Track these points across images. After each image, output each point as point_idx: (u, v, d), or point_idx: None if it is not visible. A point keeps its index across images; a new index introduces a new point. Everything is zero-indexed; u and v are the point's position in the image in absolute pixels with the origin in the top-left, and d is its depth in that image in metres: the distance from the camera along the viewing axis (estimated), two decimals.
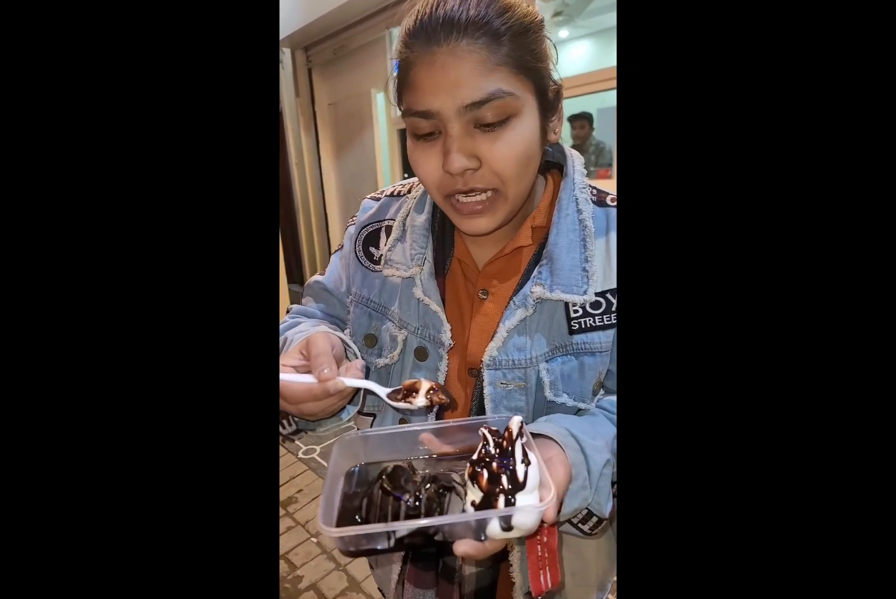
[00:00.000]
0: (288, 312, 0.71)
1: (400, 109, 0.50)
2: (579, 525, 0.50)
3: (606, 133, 3.13)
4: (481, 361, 0.55)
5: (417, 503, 0.40)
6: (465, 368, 0.58)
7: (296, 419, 0.56)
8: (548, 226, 0.55)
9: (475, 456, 0.40)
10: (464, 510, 0.40)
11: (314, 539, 1.77)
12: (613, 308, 0.54)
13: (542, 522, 0.39)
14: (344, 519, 0.41)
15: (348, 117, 3.53)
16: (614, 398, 0.58)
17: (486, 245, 0.58)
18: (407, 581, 0.64)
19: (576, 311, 0.54)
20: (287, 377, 0.47)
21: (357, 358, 0.57)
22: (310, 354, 0.48)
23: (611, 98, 2.85)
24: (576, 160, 0.58)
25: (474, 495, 0.39)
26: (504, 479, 0.38)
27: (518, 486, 0.38)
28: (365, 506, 0.41)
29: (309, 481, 2.11)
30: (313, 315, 0.68)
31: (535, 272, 0.54)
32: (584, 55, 4.16)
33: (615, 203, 0.57)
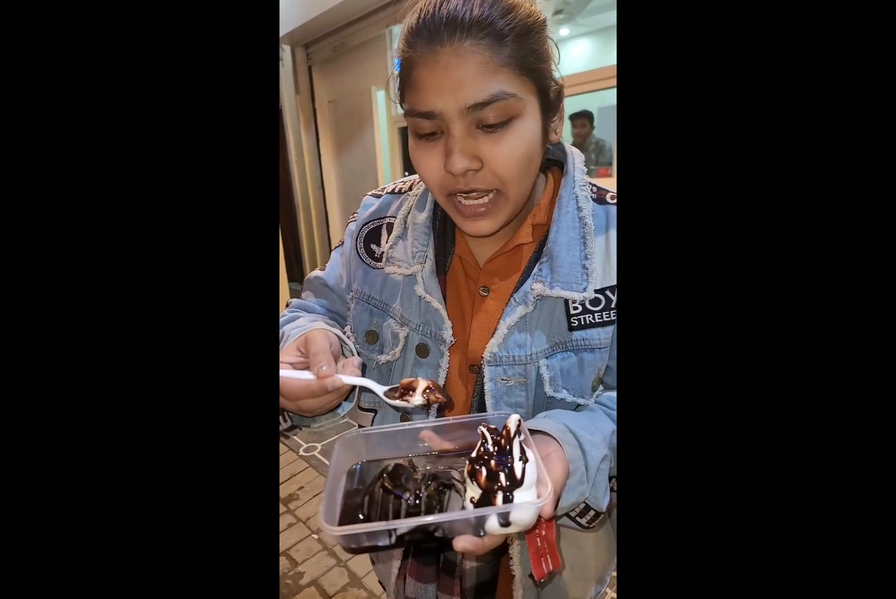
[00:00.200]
0: (287, 306, 0.71)
1: (402, 108, 0.50)
2: (577, 518, 0.51)
3: (607, 132, 3.13)
4: (482, 357, 0.55)
5: (418, 502, 0.41)
6: (466, 364, 0.58)
7: (291, 414, 0.56)
8: (548, 223, 0.56)
9: (474, 454, 0.40)
10: (463, 507, 0.41)
11: (315, 536, 1.78)
12: (612, 305, 0.55)
13: (540, 517, 0.40)
14: (346, 517, 0.41)
15: (348, 115, 3.53)
16: (613, 393, 0.58)
17: (487, 243, 0.59)
18: (409, 575, 0.65)
19: (575, 308, 0.54)
20: (286, 373, 0.47)
21: (354, 355, 0.58)
22: (308, 351, 0.49)
23: (611, 97, 2.85)
24: (576, 158, 0.59)
25: (473, 492, 0.40)
26: (502, 476, 0.38)
27: (516, 483, 0.38)
28: (366, 504, 0.42)
29: (310, 478, 2.11)
30: (312, 310, 0.68)
31: (535, 269, 0.55)
32: (584, 53, 4.16)
33: (615, 201, 0.57)
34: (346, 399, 0.54)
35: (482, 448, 0.40)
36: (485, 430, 0.41)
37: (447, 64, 0.44)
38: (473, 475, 0.39)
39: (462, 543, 0.38)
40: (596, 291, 0.54)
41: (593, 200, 0.57)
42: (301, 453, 2.29)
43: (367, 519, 0.41)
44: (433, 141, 0.48)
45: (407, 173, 3.32)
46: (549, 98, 0.49)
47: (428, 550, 0.63)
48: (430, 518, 0.38)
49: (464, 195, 0.49)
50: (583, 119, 3.07)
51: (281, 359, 0.49)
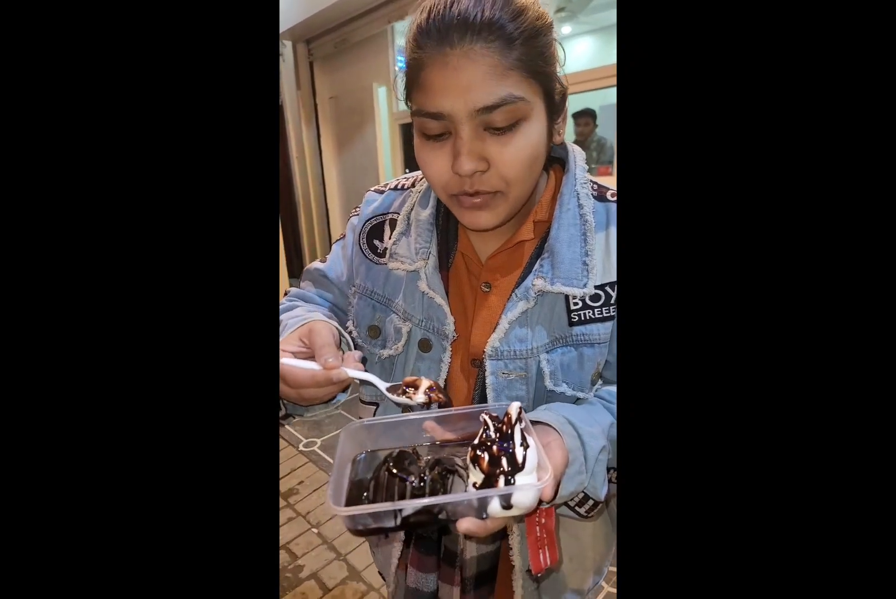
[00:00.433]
0: (286, 294, 0.71)
1: (408, 106, 0.51)
2: (576, 508, 0.52)
3: (608, 130, 3.13)
4: (483, 352, 0.56)
5: (422, 484, 0.42)
6: (468, 359, 0.59)
7: (286, 403, 0.57)
8: (549, 220, 0.57)
9: (476, 441, 0.41)
10: (466, 492, 0.42)
11: (315, 530, 1.80)
12: (612, 301, 0.55)
13: (541, 502, 0.41)
14: (352, 501, 0.42)
15: (349, 111, 3.53)
16: (611, 387, 0.59)
17: (489, 239, 0.59)
18: (410, 565, 0.66)
19: (576, 303, 0.55)
20: (291, 362, 0.48)
21: (350, 349, 0.59)
22: (313, 343, 0.50)
23: (613, 95, 2.84)
24: (577, 156, 0.59)
25: (476, 477, 0.41)
26: (504, 461, 0.40)
27: (517, 467, 0.39)
28: (372, 488, 0.43)
29: (310, 473, 2.13)
30: (311, 300, 0.69)
31: (536, 266, 0.55)
32: (586, 52, 4.16)
33: (615, 198, 0.58)
34: (342, 391, 0.56)
35: (484, 435, 0.41)
36: (487, 417, 0.42)
37: (457, 66, 0.44)
38: (476, 461, 0.40)
39: (465, 524, 0.40)
40: (596, 287, 0.55)
41: (594, 197, 0.57)
42: (301, 448, 2.31)
43: (373, 502, 0.42)
44: (440, 142, 0.48)
45: (408, 170, 3.32)
46: (555, 100, 0.50)
47: (429, 540, 0.64)
48: (434, 499, 0.39)
49: (468, 197, 0.50)
50: (586, 118, 3.06)
51: (283, 348, 0.50)
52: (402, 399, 0.49)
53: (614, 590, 1.53)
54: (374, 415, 0.66)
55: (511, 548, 0.60)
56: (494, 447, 0.40)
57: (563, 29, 3.96)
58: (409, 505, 0.39)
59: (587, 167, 0.59)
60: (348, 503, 0.42)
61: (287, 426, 2.49)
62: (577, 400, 0.58)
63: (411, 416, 0.51)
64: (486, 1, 0.44)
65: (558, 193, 0.57)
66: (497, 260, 0.59)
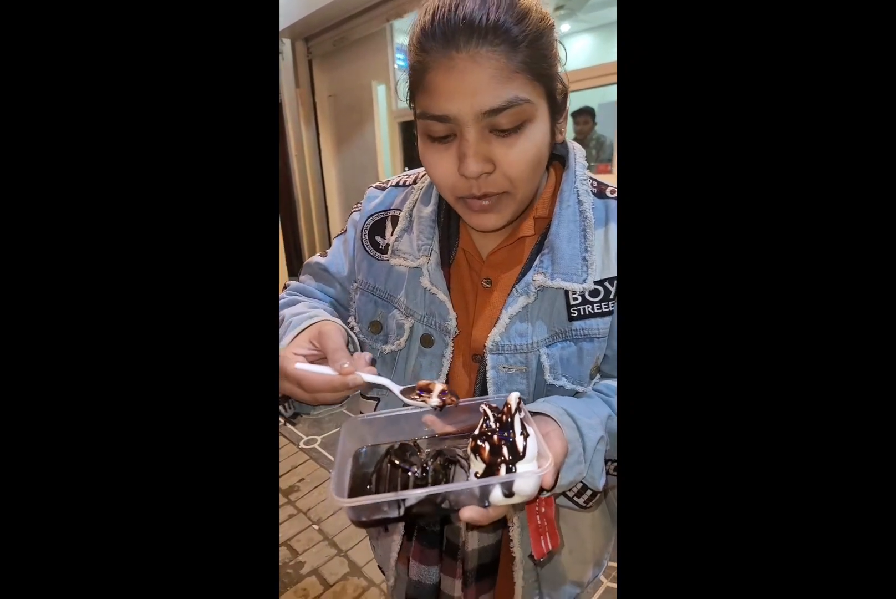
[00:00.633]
0: (285, 288, 0.72)
1: (412, 109, 0.51)
2: (575, 498, 0.53)
3: (607, 128, 3.14)
4: (484, 346, 0.57)
5: (425, 474, 0.42)
6: (470, 354, 0.60)
7: (294, 402, 0.58)
8: (549, 217, 0.57)
9: (477, 431, 0.42)
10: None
11: (316, 527, 1.80)
12: (611, 296, 0.56)
13: (541, 491, 0.42)
14: (355, 492, 0.43)
15: (348, 109, 3.53)
16: (609, 381, 0.60)
17: (490, 236, 0.60)
18: (412, 558, 0.67)
19: (575, 298, 0.56)
20: (306, 367, 0.49)
21: (357, 347, 0.59)
22: (325, 347, 0.50)
23: (612, 93, 2.85)
24: (577, 153, 0.60)
25: (477, 467, 0.41)
26: (505, 450, 0.40)
27: (518, 456, 0.40)
28: (375, 480, 0.43)
29: (310, 470, 2.13)
30: (311, 294, 0.69)
31: (536, 261, 0.56)
32: (585, 49, 4.16)
33: (614, 195, 0.59)
34: None
35: (484, 425, 0.42)
36: (486, 408, 0.42)
37: (463, 70, 0.44)
38: (477, 451, 0.41)
39: (468, 513, 0.40)
40: (595, 282, 0.55)
41: (593, 194, 0.58)
42: (301, 445, 2.31)
43: (377, 493, 0.43)
44: (445, 143, 0.48)
45: (407, 168, 3.32)
46: (557, 101, 0.51)
47: (431, 533, 0.64)
48: (437, 488, 0.40)
49: (476, 200, 0.50)
50: (585, 116, 3.07)
51: (294, 350, 0.51)
52: (418, 403, 0.50)
53: (614, 585, 1.54)
54: (376, 409, 0.67)
55: (512, 540, 0.61)
56: (495, 437, 0.41)
57: (562, 27, 3.96)
58: (413, 495, 0.40)
59: (587, 164, 0.60)
60: (351, 495, 0.43)
61: (288, 424, 2.50)
62: (576, 394, 0.58)
63: (411, 410, 0.51)
64: (490, 3, 0.44)
65: (558, 190, 0.58)
66: (498, 256, 0.59)
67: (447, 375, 0.60)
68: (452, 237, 0.61)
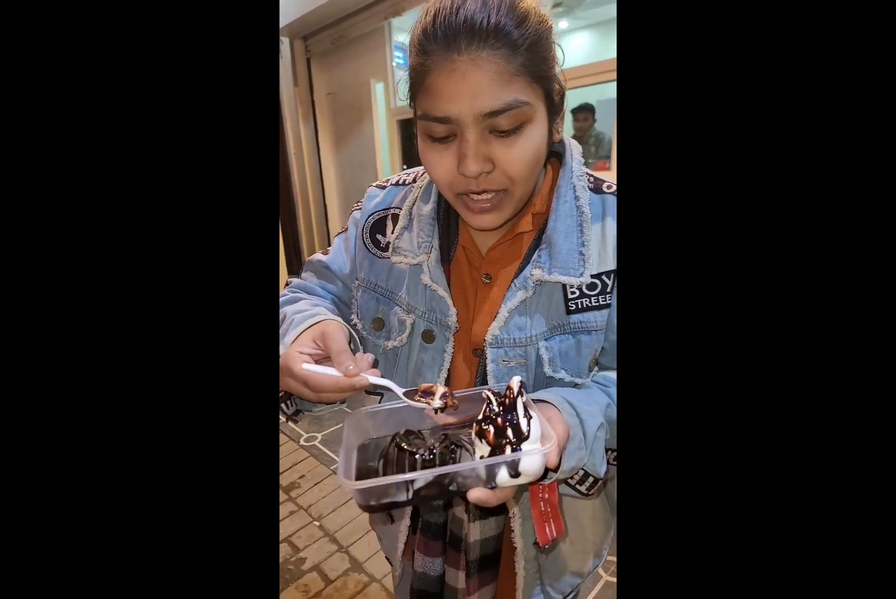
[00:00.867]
0: (287, 285, 0.72)
1: (412, 110, 0.52)
2: (577, 486, 0.54)
3: (605, 125, 3.14)
4: (484, 340, 0.58)
5: (432, 456, 0.43)
6: (470, 349, 0.61)
7: (296, 399, 0.59)
8: (547, 212, 0.58)
9: (481, 416, 0.43)
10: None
11: (317, 523, 1.82)
12: (608, 289, 0.57)
13: (546, 472, 0.42)
14: (363, 477, 0.44)
15: (347, 107, 3.53)
16: (607, 373, 0.61)
17: (489, 232, 0.61)
18: (417, 550, 0.68)
19: (573, 292, 0.57)
20: (312, 368, 0.50)
21: (359, 347, 0.60)
22: (329, 348, 0.51)
23: (609, 90, 2.85)
24: (574, 150, 0.61)
25: (482, 450, 0.42)
26: (509, 431, 0.41)
27: (522, 437, 0.41)
28: (382, 465, 0.44)
29: (311, 467, 2.14)
30: (312, 291, 0.70)
31: (534, 256, 0.57)
32: (583, 46, 4.16)
33: (610, 190, 0.60)
34: None
35: (488, 409, 0.43)
36: (489, 393, 0.43)
37: (464, 72, 0.44)
38: (482, 435, 0.42)
39: (476, 494, 0.41)
40: (592, 276, 0.56)
41: (590, 189, 0.59)
42: (302, 443, 2.32)
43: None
44: (445, 143, 0.49)
45: (406, 166, 3.33)
46: (555, 102, 0.51)
47: (435, 525, 0.65)
48: (445, 468, 0.41)
49: (475, 195, 0.51)
50: (585, 113, 3.06)
51: (298, 349, 0.51)
52: (421, 404, 0.51)
53: (613, 579, 1.56)
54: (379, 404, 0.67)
55: (513, 531, 0.62)
56: (499, 419, 0.42)
57: (560, 24, 3.96)
58: (421, 476, 0.41)
59: (583, 160, 0.61)
60: (359, 479, 0.44)
61: (290, 422, 2.51)
62: (575, 386, 0.59)
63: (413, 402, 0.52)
64: (491, 6, 0.44)
65: (555, 187, 0.59)
66: (497, 252, 0.60)
67: (448, 370, 0.60)
68: (452, 234, 0.62)
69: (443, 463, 0.44)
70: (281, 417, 0.60)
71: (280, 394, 0.59)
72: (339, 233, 0.71)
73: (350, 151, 3.67)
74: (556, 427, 0.47)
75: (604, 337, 0.59)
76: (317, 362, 0.51)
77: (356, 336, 0.61)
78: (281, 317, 0.59)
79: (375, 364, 0.54)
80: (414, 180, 0.66)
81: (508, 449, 0.41)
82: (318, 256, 0.72)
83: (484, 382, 0.59)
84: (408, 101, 0.53)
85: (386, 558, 0.78)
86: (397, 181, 0.68)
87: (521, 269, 0.58)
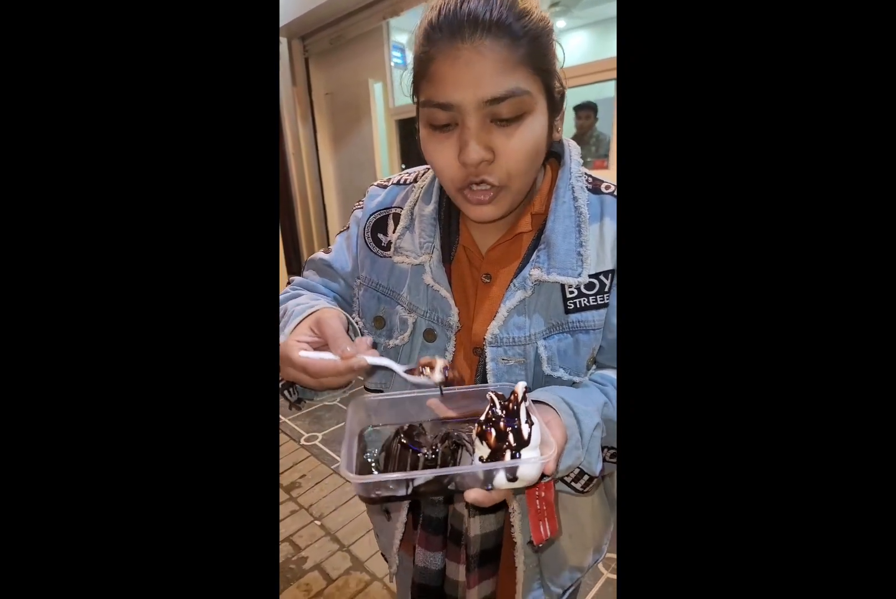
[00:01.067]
0: (289, 283, 0.73)
1: (414, 101, 0.53)
2: (572, 483, 0.55)
3: (604, 124, 3.14)
4: (484, 339, 0.58)
5: (434, 456, 0.44)
6: (471, 348, 0.61)
7: (298, 388, 0.60)
8: (546, 213, 0.59)
9: (483, 417, 0.44)
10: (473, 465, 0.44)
11: (318, 522, 1.82)
12: (606, 289, 0.58)
13: (542, 476, 0.43)
14: (364, 470, 0.45)
15: (346, 107, 3.53)
16: (605, 371, 0.62)
17: (489, 232, 0.62)
18: (418, 545, 0.69)
19: (571, 292, 0.58)
20: (310, 354, 0.50)
21: (357, 333, 0.60)
22: (324, 333, 0.51)
23: (607, 89, 2.85)
24: (572, 150, 0.62)
25: (482, 451, 0.43)
26: (510, 436, 0.42)
27: (523, 443, 0.42)
28: (384, 459, 0.45)
29: (311, 467, 2.15)
30: (314, 289, 0.71)
31: (533, 256, 0.58)
32: (581, 46, 4.16)
33: (609, 190, 0.60)
34: None
35: (490, 411, 0.44)
36: (493, 395, 0.44)
37: (468, 59, 0.46)
38: (483, 436, 0.43)
39: (473, 495, 0.42)
40: (590, 276, 0.57)
41: (588, 190, 0.60)
42: (302, 442, 2.33)
43: (386, 471, 0.44)
44: (447, 133, 0.50)
45: (404, 165, 3.33)
46: (555, 98, 0.52)
47: (436, 520, 0.66)
48: (445, 470, 0.42)
49: (475, 186, 0.52)
50: (587, 111, 3.06)
51: (296, 338, 0.52)
52: (421, 379, 0.51)
53: (614, 576, 1.57)
54: None
55: (513, 526, 0.63)
56: (501, 424, 0.42)
57: (558, 23, 3.96)
58: (422, 475, 0.42)
59: (582, 161, 0.62)
60: (360, 472, 0.44)
61: (288, 421, 2.51)
62: (573, 384, 0.60)
63: (416, 393, 0.53)
64: (494, 1, 0.46)
65: (554, 187, 0.59)
66: (497, 252, 0.61)
67: None
68: (453, 234, 0.63)
69: (444, 463, 0.45)
70: (283, 402, 0.60)
71: (281, 383, 0.60)
72: (340, 231, 0.72)
73: (348, 151, 3.67)
74: (555, 432, 0.48)
75: (601, 336, 0.59)
76: (316, 349, 0.52)
77: (355, 325, 0.61)
78: (281, 312, 0.60)
79: (374, 347, 0.55)
80: (415, 180, 0.67)
81: (508, 454, 0.42)
82: (320, 254, 0.73)
83: (484, 380, 0.60)
84: (410, 92, 0.53)
85: (382, 554, 0.78)
86: (398, 181, 0.68)
87: (520, 269, 0.59)
